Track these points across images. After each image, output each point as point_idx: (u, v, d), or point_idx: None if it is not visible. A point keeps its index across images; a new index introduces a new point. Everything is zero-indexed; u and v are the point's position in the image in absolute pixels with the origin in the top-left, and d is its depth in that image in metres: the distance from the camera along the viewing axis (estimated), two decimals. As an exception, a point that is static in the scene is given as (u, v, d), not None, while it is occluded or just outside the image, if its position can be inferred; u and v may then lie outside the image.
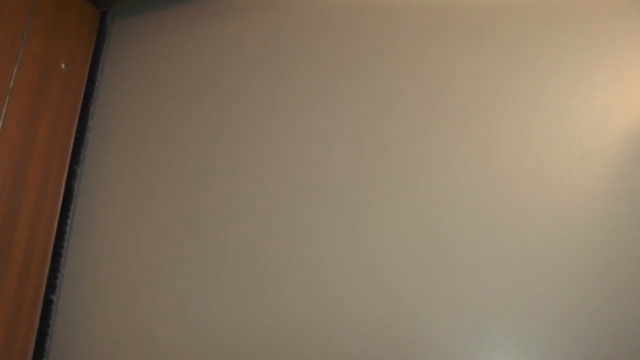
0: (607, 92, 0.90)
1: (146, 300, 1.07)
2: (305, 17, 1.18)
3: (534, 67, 0.96)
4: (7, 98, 1.07)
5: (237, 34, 1.23)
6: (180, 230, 1.10)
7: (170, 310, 1.04)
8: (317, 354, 0.91)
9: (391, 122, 1.02)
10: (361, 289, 0.92)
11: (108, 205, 1.19)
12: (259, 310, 0.98)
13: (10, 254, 1.06)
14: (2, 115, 1.06)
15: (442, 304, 0.87)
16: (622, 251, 0.80)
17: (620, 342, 0.76)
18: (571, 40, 0.95)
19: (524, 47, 0.98)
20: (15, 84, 1.09)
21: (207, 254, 1.06)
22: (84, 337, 1.10)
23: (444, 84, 1.01)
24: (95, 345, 1.08)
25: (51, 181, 1.18)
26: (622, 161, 0.85)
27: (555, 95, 0.93)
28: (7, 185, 1.06)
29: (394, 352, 0.87)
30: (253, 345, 0.96)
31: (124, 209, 1.17)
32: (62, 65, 1.22)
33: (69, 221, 1.21)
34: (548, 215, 0.86)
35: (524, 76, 0.96)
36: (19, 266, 1.08)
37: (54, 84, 1.20)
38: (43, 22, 1.18)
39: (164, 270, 1.08)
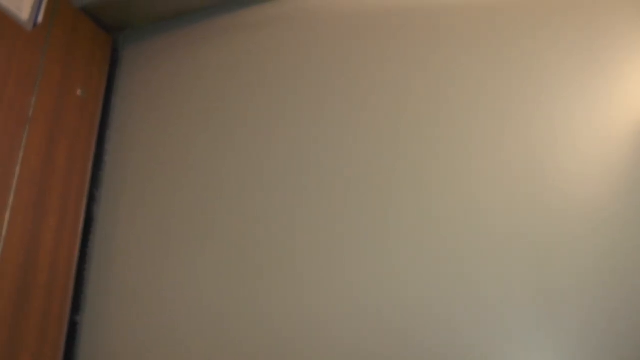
0: (610, 91, 0.90)
1: (171, 320, 1.09)
2: (311, 28, 1.20)
3: (536, 67, 0.97)
4: (27, 127, 1.10)
5: (246, 52, 1.26)
6: (203, 248, 1.12)
7: (196, 328, 1.06)
8: (332, 352, 0.92)
9: (396, 125, 1.03)
10: (379, 289, 0.93)
11: (128, 227, 1.21)
12: (284, 316, 0.99)
13: (35, 279, 1.08)
14: (23, 144, 1.09)
15: (460, 301, 0.87)
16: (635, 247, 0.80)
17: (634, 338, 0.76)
18: (572, 40, 0.96)
19: (525, 48, 0.99)
20: (33, 112, 1.12)
21: (231, 268, 1.07)
22: (109, 357, 1.12)
23: (448, 86, 1.01)
24: (120, 365, 1.10)
25: (71, 206, 1.21)
26: (626, 159, 0.85)
27: (557, 96, 0.94)
28: (29, 212, 1.09)
29: (413, 348, 0.87)
30: (279, 352, 0.97)
31: (144, 229, 1.20)
32: (78, 92, 1.25)
33: (90, 244, 1.24)
34: (558, 213, 0.87)
35: (527, 77, 0.96)
36: (44, 290, 1.10)
37: (70, 110, 1.23)
38: (57, 50, 1.21)
39: (188, 289, 1.10)
